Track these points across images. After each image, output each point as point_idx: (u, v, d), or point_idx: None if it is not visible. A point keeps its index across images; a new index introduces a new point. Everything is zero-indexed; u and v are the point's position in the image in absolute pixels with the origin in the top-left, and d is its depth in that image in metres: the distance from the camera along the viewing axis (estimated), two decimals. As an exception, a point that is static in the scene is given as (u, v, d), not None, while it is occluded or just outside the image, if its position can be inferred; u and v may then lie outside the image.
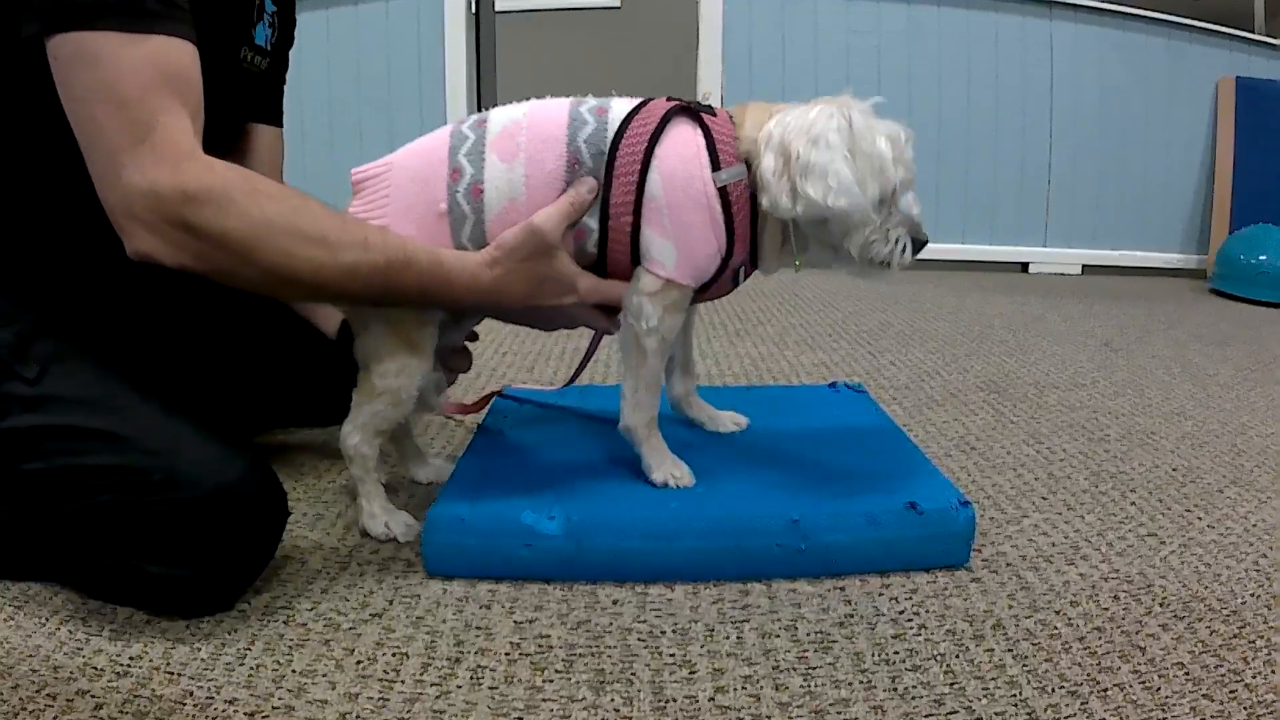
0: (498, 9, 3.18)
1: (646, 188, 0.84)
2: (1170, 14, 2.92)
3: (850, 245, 0.86)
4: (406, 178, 0.86)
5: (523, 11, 3.18)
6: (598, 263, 0.88)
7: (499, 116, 0.88)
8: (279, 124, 1.12)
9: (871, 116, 0.85)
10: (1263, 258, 2.59)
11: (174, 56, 0.73)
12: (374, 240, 0.79)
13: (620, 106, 0.87)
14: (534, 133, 0.85)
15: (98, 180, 0.72)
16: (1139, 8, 2.92)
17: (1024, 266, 3.09)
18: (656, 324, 0.87)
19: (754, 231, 0.88)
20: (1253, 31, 2.96)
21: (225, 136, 1.05)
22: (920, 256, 0.87)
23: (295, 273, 0.76)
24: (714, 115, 0.88)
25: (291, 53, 1.11)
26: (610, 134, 0.85)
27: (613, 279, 0.88)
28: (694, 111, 0.87)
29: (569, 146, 0.84)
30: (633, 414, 0.92)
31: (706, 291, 0.91)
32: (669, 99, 0.88)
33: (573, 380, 1.13)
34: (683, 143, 0.85)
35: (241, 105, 1.03)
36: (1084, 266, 3.09)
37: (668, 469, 0.91)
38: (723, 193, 0.85)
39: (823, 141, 0.82)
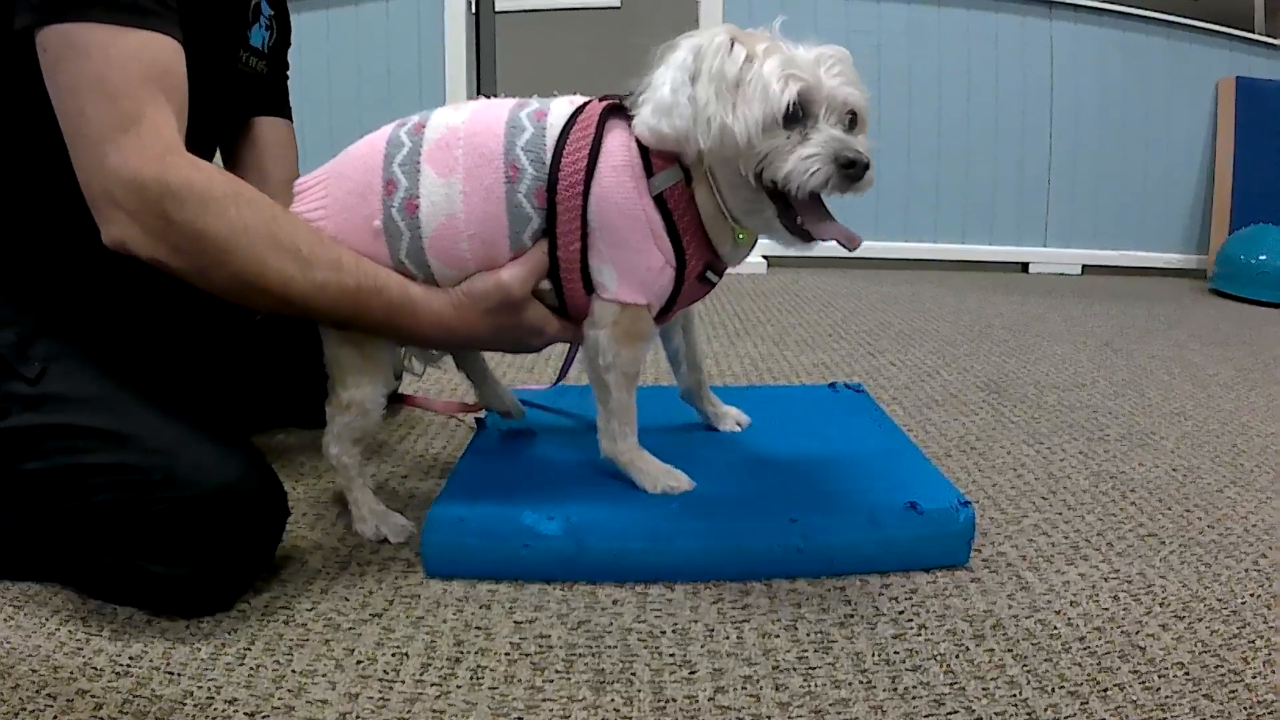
0: (498, 9, 3.18)
1: (587, 211, 0.81)
2: (1170, 14, 2.92)
3: (745, 171, 0.78)
4: (344, 189, 0.83)
5: (523, 11, 3.18)
6: (554, 295, 0.85)
7: (437, 122, 0.84)
8: (287, 116, 1.11)
9: (760, 38, 0.79)
10: (1263, 258, 2.59)
11: (161, 53, 0.73)
12: (348, 263, 0.79)
13: (559, 111, 0.83)
14: (471, 144, 0.81)
15: (80, 167, 0.72)
16: (1139, 8, 2.92)
17: (1024, 266, 3.09)
18: (612, 359, 0.85)
19: (704, 227, 0.83)
20: (1253, 31, 2.96)
21: (226, 135, 1.05)
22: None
23: (265, 282, 0.76)
24: None
25: (292, 53, 1.11)
26: (549, 143, 0.81)
27: (572, 309, 0.86)
28: (628, 112, 0.83)
29: (506, 158, 0.81)
30: (609, 445, 0.91)
31: (675, 304, 0.87)
32: (603, 98, 0.84)
33: (559, 380, 1.13)
34: (614, 153, 0.81)
35: (242, 106, 1.03)
36: (1084, 266, 3.09)
37: (662, 482, 0.90)
38: (660, 200, 0.81)
39: (667, 63, 0.79)
